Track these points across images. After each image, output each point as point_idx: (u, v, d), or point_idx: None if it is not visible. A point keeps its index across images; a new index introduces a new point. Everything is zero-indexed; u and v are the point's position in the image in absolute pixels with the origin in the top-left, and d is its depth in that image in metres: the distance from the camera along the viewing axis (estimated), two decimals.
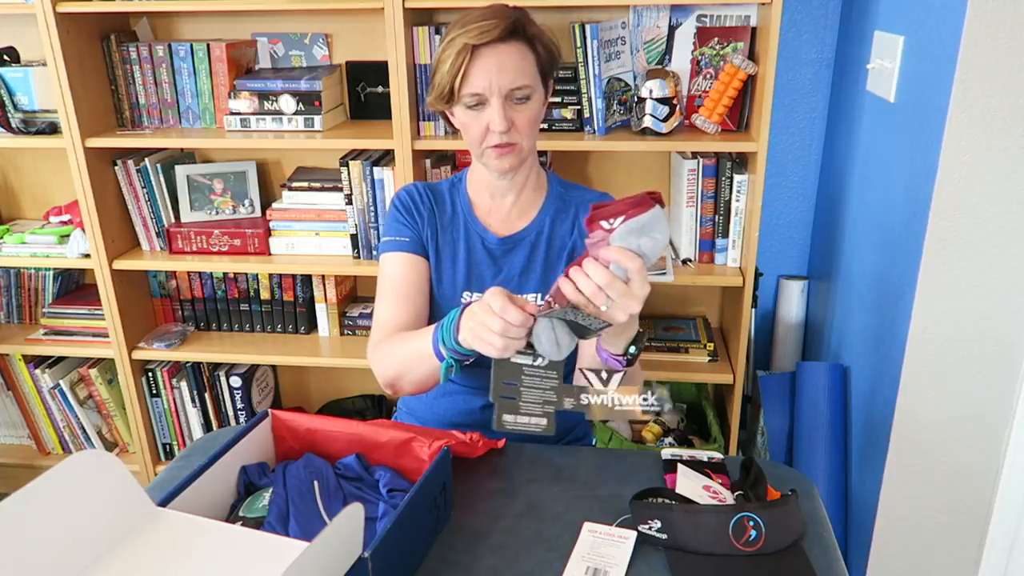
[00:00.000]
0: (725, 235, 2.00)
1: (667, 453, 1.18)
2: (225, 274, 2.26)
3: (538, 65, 1.27)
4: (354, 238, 2.08)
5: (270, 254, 2.14)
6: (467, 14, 1.25)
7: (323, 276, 2.22)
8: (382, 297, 1.36)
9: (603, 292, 0.93)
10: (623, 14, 2.00)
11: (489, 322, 0.97)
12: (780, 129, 2.12)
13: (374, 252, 2.07)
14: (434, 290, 1.38)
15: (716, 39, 1.97)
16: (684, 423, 2.20)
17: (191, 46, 2.05)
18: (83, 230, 2.11)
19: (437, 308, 1.38)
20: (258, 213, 2.21)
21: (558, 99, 1.95)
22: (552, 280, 1.36)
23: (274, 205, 2.13)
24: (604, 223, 0.93)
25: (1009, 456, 1.45)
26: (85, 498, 0.86)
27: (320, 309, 2.26)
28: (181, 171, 2.16)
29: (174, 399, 2.32)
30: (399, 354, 1.23)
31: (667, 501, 1.04)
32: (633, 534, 1.00)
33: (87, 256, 2.12)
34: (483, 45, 1.21)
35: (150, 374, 2.29)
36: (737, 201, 1.95)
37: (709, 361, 2.10)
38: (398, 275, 1.36)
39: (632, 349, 1.07)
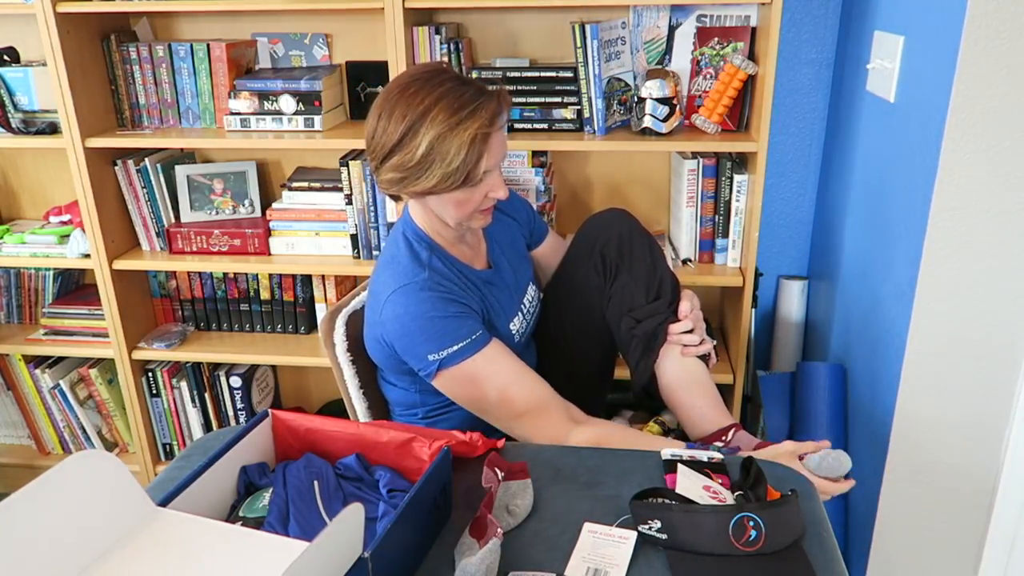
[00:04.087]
0: (725, 235, 2.00)
1: (667, 453, 1.18)
2: (225, 274, 2.26)
3: None
4: (354, 238, 2.08)
5: (270, 254, 2.13)
6: (449, 93, 1.21)
7: (323, 276, 2.22)
8: (515, 384, 1.31)
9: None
10: (623, 14, 2.00)
11: None
12: (780, 129, 2.12)
13: (374, 252, 2.07)
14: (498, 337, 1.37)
15: (716, 39, 1.97)
16: None
17: (191, 46, 2.05)
18: (83, 230, 2.11)
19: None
20: (258, 213, 2.21)
21: (558, 99, 1.95)
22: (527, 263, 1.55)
23: (274, 205, 2.13)
24: None
25: (1009, 456, 1.45)
26: (85, 498, 0.86)
27: (320, 309, 2.26)
28: (181, 171, 2.16)
29: (174, 399, 2.32)
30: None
31: (667, 501, 1.04)
32: (633, 534, 1.00)
33: (87, 256, 2.12)
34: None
35: (150, 374, 2.29)
36: (737, 201, 1.95)
37: None
38: (508, 358, 1.32)
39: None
